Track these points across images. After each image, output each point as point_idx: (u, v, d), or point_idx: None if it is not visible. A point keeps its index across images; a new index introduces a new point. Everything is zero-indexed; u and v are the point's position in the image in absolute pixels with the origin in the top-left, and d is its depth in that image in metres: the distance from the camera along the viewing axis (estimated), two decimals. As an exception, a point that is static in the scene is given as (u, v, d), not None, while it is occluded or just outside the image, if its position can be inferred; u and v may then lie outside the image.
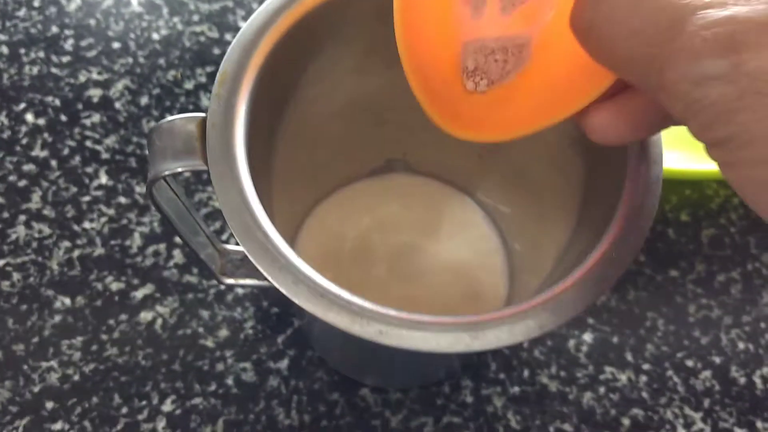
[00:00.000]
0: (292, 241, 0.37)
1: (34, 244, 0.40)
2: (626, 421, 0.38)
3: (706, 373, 0.39)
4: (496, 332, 0.22)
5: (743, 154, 0.16)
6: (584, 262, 0.24)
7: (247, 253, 0.23)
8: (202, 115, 0.25)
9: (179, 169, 0.24)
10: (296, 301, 0.22)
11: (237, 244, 0.38)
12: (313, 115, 0.32)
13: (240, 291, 0.39)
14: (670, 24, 0.17)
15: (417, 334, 0.22)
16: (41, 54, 0.45)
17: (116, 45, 0.45)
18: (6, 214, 0.40)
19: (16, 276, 0.39)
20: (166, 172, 0.24)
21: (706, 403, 0.39)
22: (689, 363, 0.39)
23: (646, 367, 0.39)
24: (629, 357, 0.39)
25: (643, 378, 0.39)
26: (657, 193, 0.24)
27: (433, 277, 0.38)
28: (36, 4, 0.46)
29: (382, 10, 0.29)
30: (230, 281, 0.34)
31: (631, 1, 0.18)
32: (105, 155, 0.42)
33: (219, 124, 0.24)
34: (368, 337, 0.22)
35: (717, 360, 0.40)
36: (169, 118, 0.25)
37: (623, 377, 0.39)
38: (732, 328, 0.40)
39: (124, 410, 0.37)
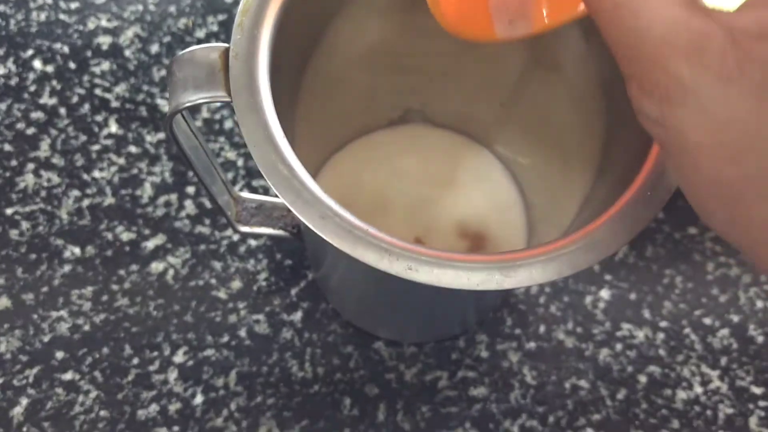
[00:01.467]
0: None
1: (43, 193, 0.39)
2: (643, 378, 0.37)
3: (724, 332, 0.39)
4: (528, 270, 0.22)
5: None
6: (617, 202, 0.23)
7: (272, 186, 0.22)
8: (225, 45, 0.24)
9: (201, 100, 0.23)
10: (323, 235, 0.21)
11: (249, 192, 0.37)
12: (335, 59, 0.31)
13: (253, 243, 0.39)
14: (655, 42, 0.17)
15: (448, 271, 0.21)
16: (49, 0, 0.43)
17: (126, -8, 0.44)
18: (14, 162, 0.40)
19: (25, 225, 0.39)
20: (188, 104, 0.23)
21: (723, 361, 0.38)
22: (707, 321, 0.39)
23: (663, 324, 0.39)
24: (646, 314, 0.39)
25: (661, 335, 0.38)
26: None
27: (449, 230, 0.37)
28: (43, -51, 0.45)
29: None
30: (245, 229, 0.33)
31: None
32: (115, 104, 0.41)
33: (242, 55, 0.23)
34: (397, 272, 0.21)
35: (735, 318, 0.39)
36: (191, 48, 0.24)
37: (640, 334, 0.38)
38: (750, 286, 0.40)
39: (135, 361, 0.36)
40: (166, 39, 0.43)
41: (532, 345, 0.38)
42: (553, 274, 0.22)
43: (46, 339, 0.36)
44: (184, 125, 0.26)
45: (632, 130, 0.26)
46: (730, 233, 0.18)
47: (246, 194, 0.34)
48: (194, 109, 0.41)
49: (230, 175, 0.40)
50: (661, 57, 0.17)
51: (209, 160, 0.29)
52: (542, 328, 0.38)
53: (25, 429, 0.35)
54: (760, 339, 0.39)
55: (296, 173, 0.22)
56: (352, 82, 0.34)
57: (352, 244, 0.21)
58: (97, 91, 0.42)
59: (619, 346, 0.38)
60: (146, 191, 0.40)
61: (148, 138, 0.40)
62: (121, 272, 0.38)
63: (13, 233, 0.38)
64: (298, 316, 0.38)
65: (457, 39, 0.33)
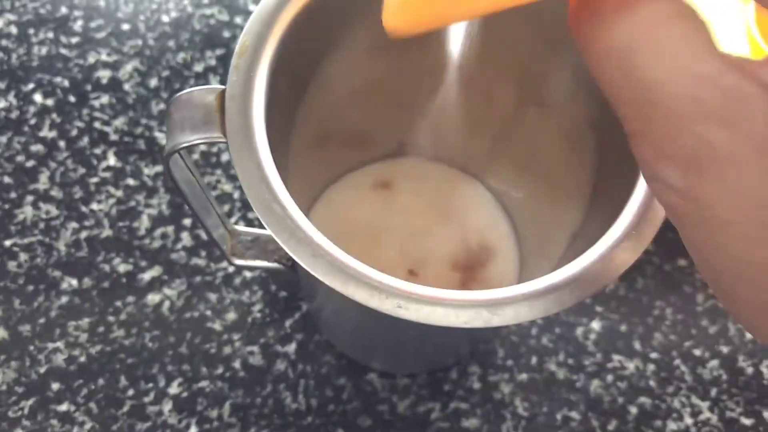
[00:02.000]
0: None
1: (42, 225, 0.40)
2: (633, 410, 0.38)
3: (714, 363, 0.39)
4: (515, 308, 0.22)
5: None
6: (602, 240, 0.24)
7: (266, 225, 0.22)
8: (221, 87, 0.24)
9: (197, 141, 0.24)
10: (315, 274, 0.22)
11: (246, 225, 0.38)
12: (330, 95, 0.32)
13: (248, 275, 0.39)
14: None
15: (436, 309, 0.22)
16: (50, 35, 0.44)
17: (126, 26, 0.45)
18: (14, 194, 0.40)
19: (23, 256, 0.39)
20: (185, 144, 0.24)
21: (714, 392, 0.39)
22: (697, 352, 0.39)
23: (653, 355, 0.39)
24: (637, 345, 0.39)
25: (651, 366, 0.39)
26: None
27: (442, 263, 0.38)
28: (45, -15, 0.46)
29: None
30: (240, 262, 0.34)
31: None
32: (113, 137, 0.42)
33: (238, 96, 0.24)
34: (386, 310, 0.22)
35: (725, 349, 0.40)
36: (188, 89, 0.25)
37: (631, 365, 0.39)
38: (740, 318, 0.40)
39: (131, 392, 0.37)
40: (165, 73, 0.44)
41: (524, 376, 0.38)
42: (539, 311, 0.22)
43: (42, 370, 0.37)
44: (180, 162, 0.27)
45: (621, 170, 0.26)
46: (758, 317, 0.16)
47: (241, 227, 0.34)
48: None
49: (226, 207, 0.40)
50: (688, 118, 0.14)
51: (205, 194, 0.30)
52: (534, 360, 0.39)
53: (20, 460, 0.35)
54: (750, 370, 0.39)
55: (289, 212, 0.23)
56: (345, 118, 0.35)
57: (343, 283, 0.22)
58: (97, 125, 0.42)
59: (610, 378, 0.38)
60: (143, 223, 0.40)
61: (146, 171, 0.41)
62: (118, 304, 0.38)
63: (12, 265, 0.39)
64: (292, 347, 0.38)
65: (450, 75, 0.34)
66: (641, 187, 0.24)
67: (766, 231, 0.14)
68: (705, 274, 0.16)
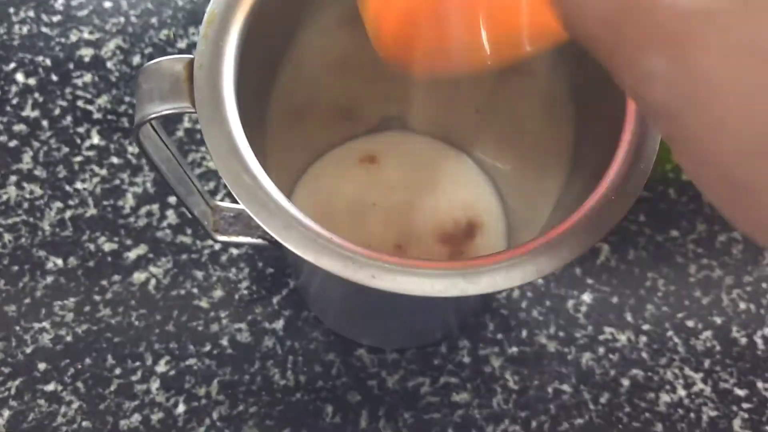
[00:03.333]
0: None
1: (26, 205, 0.39)
2: (626, 382, 0.37)
3: (707, 334, 0.39)
4: (492, 276, 0.22)
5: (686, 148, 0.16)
6: (581, 206, 0.23)
7: (236, 197, 0.22)
8: (190, 56, 0.24)
9: (166, 111, 0.23)
10: (287, 245, 0.21)
11: (232, 202, 0.37)
12: (307, 68, 0.31)
13: (234, 252, 0.39)
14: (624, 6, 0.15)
15: (411, 279, 0.22)
16: (31, 13, 0.44)
17: (108, 4, 0.44)
18: (-4, 175, 0.40)
19: (7, 237, 0.39)
20: (153, 115, 0.23)
21: (707, 363, 0.38)
22: (690, 323, 0.39)
23: (645, 327, 0.39)
24: (629, 317, 0.39)
25: (643, 338, 0.38)
26: (657, 137, 0.24)
27: (429, 236, 0.37)
28: (25, -38, 0.45)
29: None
30: (223, 238, 0.34)
31: None
32: (97, 115, 0.41)
33: (206, 66, 0.24)
34: (360, 281, 0.21)
35: (718, 320, 0.39)
36: (156, 59, 0.24)
37: (623, 338, 0.38)
38: (733, 288, 0.40)
39: (118, 371, 0.37)
40: (148, 50, 0.43)
41: (514, 350, 0.38)
42: (516, 279, 0.22)
43: (28, 350, 0.37)
44: (154, 136, 0.26)
45: (599, 134, 0.26)
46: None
47: (224, 204, 0.34)
48: (175, 120, 0.41)
49: (212, 185, 0.40)
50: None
51: (182, 169, 0.29)
52: (524, 333, 0.38)
53: (7, 441, 0.35)
54: (743, 341, 0.39)
55: (261, 183, 0.22)
56: (327, 89, 0.34)
57: (316, 254, 0.22)
58: (80, 103, 0.42)
59: (601, 350, 0.38)
60: (128, 201, 0.40)
61: (130, 149, 0.41)
62: (104, 283, 0.38)
63: (-4, 245, 0.39)
64: (280, 324, 0.38)
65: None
66: (621, 157, 0.24)
67: (754, 78, 0.14)
68: (696, 175, 0.16)
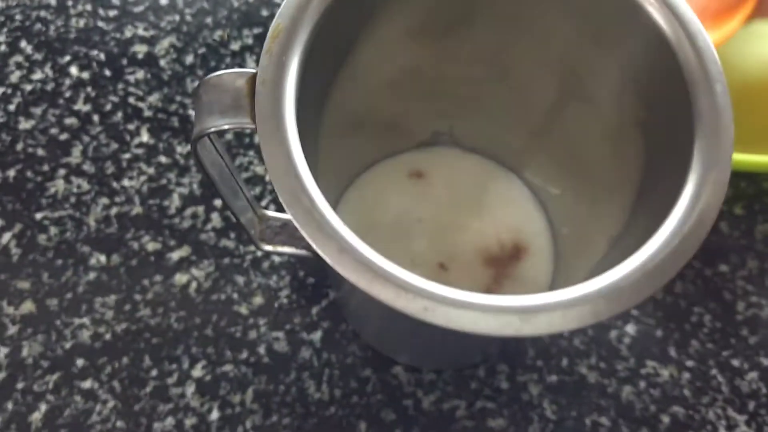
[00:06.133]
0: (334, 209, 0.36)
1: (73, 199, 0.40)
2: (666, 419, 0.37)
3: (753, 375, 0.38)
4: (548, 317, 0.21)
5: None
6: (644, 249, 0.22)
7: (292, 218, 0.22)
8: (253, 70, 0.24)
9: (226, 126, 0.23)
10: (340, 270, 0.21)
11: (276, 210, 0.37)
12: (364, 81, 0.31)
13: (276, 259, 0.39)
14: None
15: (465, 314, 0.21)
16: (88, 7, 0.44)
17: (164, 1, 0.44)
18: (46, 167, 0.40)
19: (53, 230, 0.39)
20: (212, 129, 0.23)
21: (751, 405, 0.37)
22: (735, 362, 0.38)
23: (689, 363, 0.38)
24: (672, 352, 0.38)
25: (686, 375, 0.37)
26: (724, 184, 0.23)
27: (473, 257, 0.37)
28: (85, -44, 0.45)
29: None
30: (268, 248, 0.33)
31: None
32: (147, 113, 0.42)
33: (269, 81, 0.23)
34: (412, 313, 0.21)
35: (765, 362, 0.38)
36: (218, 72, 0.24)
37: (665, 373, 0.37)
38: (783, 329, 0.39)
39: (154, 372, 0.37)
40: (201, 50, 0.43)
41: (553, 378, 0.37)
42: (573, 322, 0.21)
43: (67, 346, 0.37)
44: (210, 146, 0.26)
45: (667, 177, 0.25)
46: None
47: (271, 212, 0.33)
48: (225, 122, 0.41)
49: (257, 190, 0.40)
50: None
51: (234, 178, 0.29)
52: (565, 362, 0.37)
53: (42, 434, 0.35)
54: (791, 384, 0.38)
55: (317, 205, 0.22)
56: (380, 103, 0.34)
57: (369, 281, 0.21)
58: (131, 100, 0.42)
59: (642, 384, 0.37)
60: (174, 202, 0.40)
61: (179, 149, 0.41)
62: (145, 282, 0.38)
63: (42, 238, 0.39)
64: (317, 335, 0.37)
65: (488, 66, 0.33)
66: (686, 196, 0.23)
67: None
68: None
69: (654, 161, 0.27)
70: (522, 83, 0.33)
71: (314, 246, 0.21)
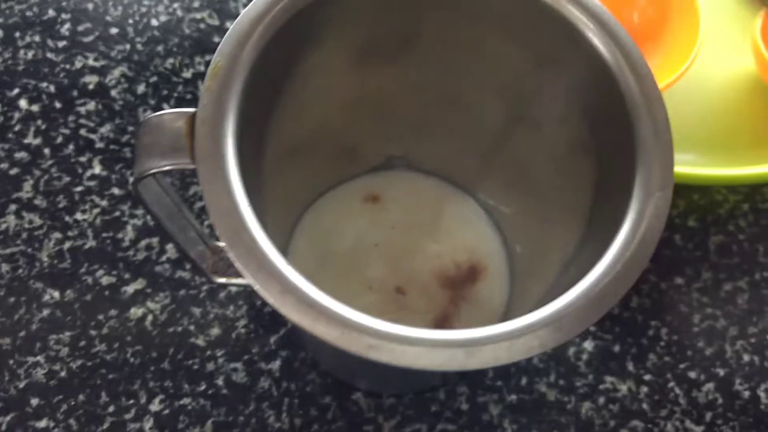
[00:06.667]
0: (287, 239, 0.36)
1: (24, 235, 0.39)
2: (626, 433, 0.37)
3: (709, 386, 0.38)
4: (493, 349, 0.21)
5: None
6: (589, 276, 0.23)
7: (233, 258, 0.22)
8: (193, 110, 0.23)
9: (166, 168, 0.23)
10: (283, 311, 0.21)
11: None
12: (311, 111, 0.31)
13: (233, 289, 0.38)
14: None
15: (409, 350, 0.21)
16: (37, 38, 0.43)
17: (114, 30, 0.44)
18: (-4, 203, 0.40)
19: (4, 267, 0.38)
20: (153, 170, 0.23)
21: (708, 416, 0.38)
22: (692, 374, 0.38)
23: (647, 377, 0.38)
24: (630, 366, 0.38)
25: (644, 389, 0.38)
26: (665, 209, 0.23)
27: (431, 279, 0.37)
28: (32, -14, 0.45)
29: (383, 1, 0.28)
30: (222, 280, 0.33)
31: None
32: (99, 144, 0.41)
33: (209, 120, 0.23)
34: (357, 352, 0.21)
35: (721, 372, 0.38)
36: (159, 112, 0.24)
37: (624, 387, 0.38)
38: (737, 339, 0.39)
39: (111, 408, 0.36)
40: (153, 79, 0.43)
41: (513, 397, 0.37)
42: (519, 354, 0.21)
43: (21, 385, 0.36)
44: (154, 184, 0.26)
45: (615, 196, 0.25)
46: None
47: (223, 243, 0.33)
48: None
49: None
50: None
51: (183, 213, 0.29)
52: (524, 380, 0.38)
53: (-3, 477, 0.35)
54: (746, 394, 0.38)
55: (259, 244, 0.22)
56: (331, 130, 0.34)
57: (312, 320, 0.21)
58: (82, 132, 0.41)
59: (601, 400, 0.37)
60: (128, 234, 0.39)
61: (132, 179, 0.40)
62: (100, 317, 0.38)
63: (-7, 275, 0.38)
64: (276, 364, 0.37)
65: (435, 91, 0.33)
66: (629, 222, 0.23)
67: None
68: None
69: (602, 185, 0.28)
70: (471, 107, 0.33)
71: (256, 287, 0.21)
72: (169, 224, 0.28)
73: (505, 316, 0.35)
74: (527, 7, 0.26)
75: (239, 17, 0.24)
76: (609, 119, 0.26)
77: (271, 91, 0.27)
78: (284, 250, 0.35)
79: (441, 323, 0.36)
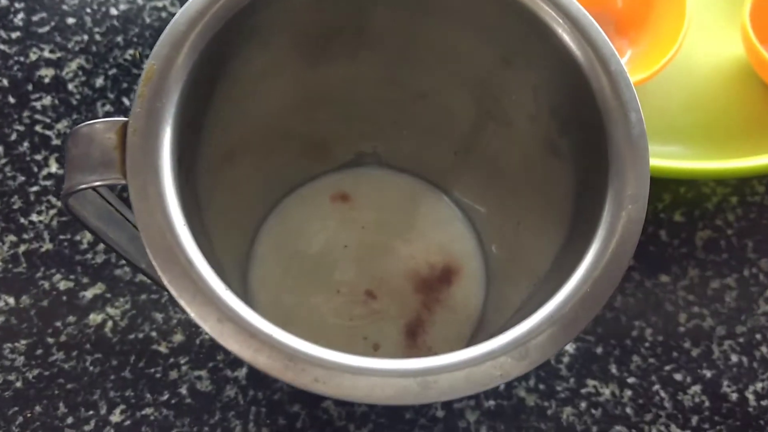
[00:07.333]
0: (249, 244, 0.34)
1: (-23, 238, 0.37)
2: (608, 439, 0.35)
3: (696, 388, 0.37)
4: (450, 379, 0.20)
5: None
6: (555, 298, 0.21)
7: (166, 283, 0.20)
8: (124, 119, 0.21)
9: (96, 183, 0.21)
10: (221, 342, 0.19)
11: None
12: (267, 111, 0.29)
13: (197, 292, 0.37)
14: None
15: (360, 382, 0.19)
16: (-11, 29, 0.41)
17: (71, 20, 0.42)
18: (-54, 205, 0.38)
19: (-44, 272, 0.36)
20: (82, 186, 0.21)
21: (695, 420, 0.36)
22: (678, 377, 0.37)
23: (631, 380, 0.36)
24: (613, 369, 0.37)
25: (628, 392, 0.36)
26: (639, 220, 0.21)
27: (402, 283, 0.35)
28: (-15, -27, 0.42)
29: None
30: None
31: None
32: (56, 141, 0.39)
33: (141, 130, 0.21)
34: (303, 386, 0.19)
35: (708, 374, 0.37)
36: (90, 121, 0.22)
37: (606, 391, 0.36)
38: (725, 339, 0.38)
39: (70, 420, 0.34)
40: (112, 71, 0.41)
41: (491, 403, 0.36)
42: (478, 384, 0.20)
43: (-26, 397, 0.34)
44: (92, 196, 0.24)
45: (590, 211, 0.24)
46: None
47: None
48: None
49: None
50: None
51: (131, 224, 0.27)
52: (502, 385, 0.36)
53: (-51, 495, 0.33)
54: (734, 396, 0.37)
55: (196, 267, 0.20)
56: (293, 130, 0.32)
57: (254, 352, 0.19)
58: (38, 128, 0.39)
59: (583, 404, 0.36)
60: (86, 236, 0.37)
61: (61, 196, 0.38)
62: (58, 324, 0.36)
63: (-55, 281, 0.36)
64: (242, 372, 0.36)
65: (402, 89, 0.31)
66: (600, 237, 0.21)
67: None
68: None
69: (581, 194, 0.26)
70: (441, 104, 0.31)
71: (191, 315, 0.20)
72: (115, 236, 0.26)
73: (481, 322, 0.34)
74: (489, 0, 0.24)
75: (175, 16, 0.23)
76: (580, 121, 0.25)
77: (212, 95, 0.25)
78: (246, 256, 0.34)
79: (413, 329, 0.34)
